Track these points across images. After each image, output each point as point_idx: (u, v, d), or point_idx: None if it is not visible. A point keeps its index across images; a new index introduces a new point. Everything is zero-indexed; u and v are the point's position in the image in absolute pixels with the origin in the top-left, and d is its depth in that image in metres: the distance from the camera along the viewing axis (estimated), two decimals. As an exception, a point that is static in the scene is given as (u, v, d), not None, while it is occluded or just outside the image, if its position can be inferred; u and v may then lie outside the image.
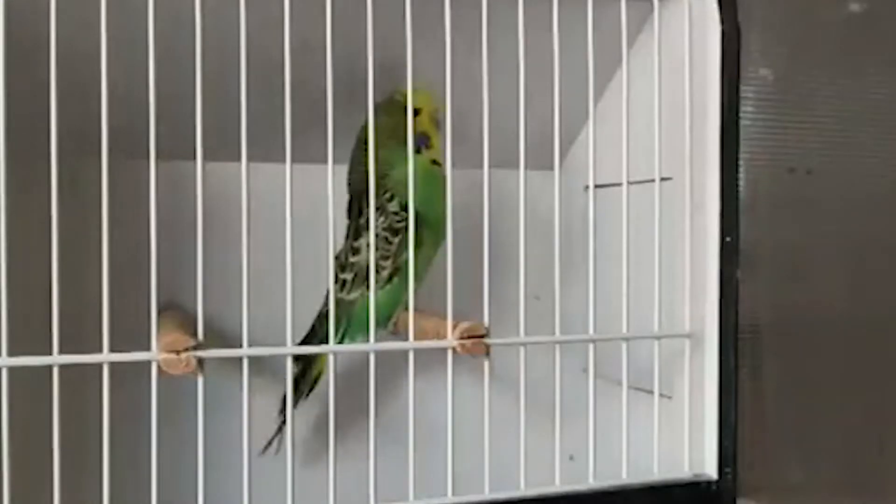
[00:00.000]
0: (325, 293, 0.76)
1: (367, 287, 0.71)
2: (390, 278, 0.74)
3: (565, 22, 0.64)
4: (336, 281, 0.76)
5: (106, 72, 0.54)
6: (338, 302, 0.75)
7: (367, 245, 0.72)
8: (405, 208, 0.73)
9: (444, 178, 0.69)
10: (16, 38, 0.53)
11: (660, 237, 0.68)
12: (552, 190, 0.65)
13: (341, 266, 0.76)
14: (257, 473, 0.58)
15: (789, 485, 1.13)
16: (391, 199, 0.74)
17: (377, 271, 0.73)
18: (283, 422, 0.76)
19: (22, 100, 0.54)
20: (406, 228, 0.71)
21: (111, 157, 0.54)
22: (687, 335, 0.70)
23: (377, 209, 0.72)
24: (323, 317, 0.76)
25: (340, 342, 0.75)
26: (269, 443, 0.77)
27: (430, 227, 0.73)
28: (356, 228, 0.75)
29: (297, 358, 0.76)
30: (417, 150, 0.73)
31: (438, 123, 0.75)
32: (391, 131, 0.69)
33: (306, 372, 0.76)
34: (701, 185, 0.70)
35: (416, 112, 0.69)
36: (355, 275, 0.75)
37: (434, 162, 0.75)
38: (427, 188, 0.69)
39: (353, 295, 0.75)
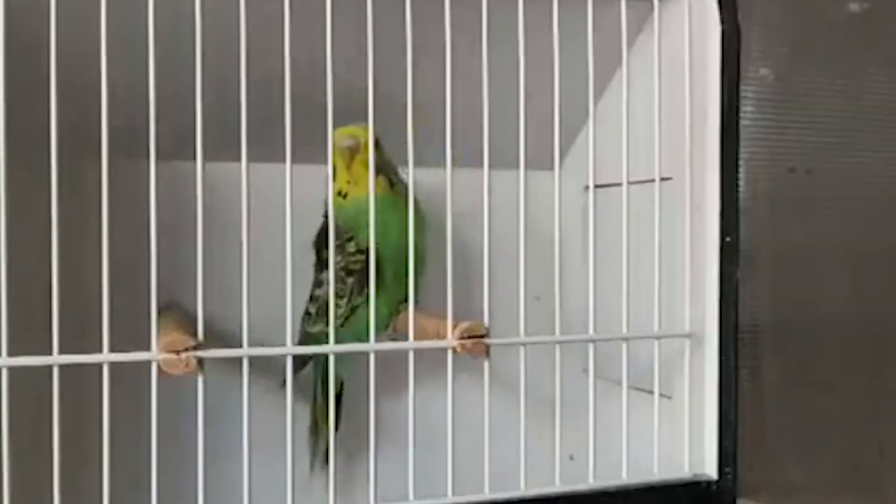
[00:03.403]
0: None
1: (326, 323, 0.69)
2: (346, 319, 0.74)
3: (565, 22, 0.64)
4: (307, 314, 0.77)
5: (106, 72, 0.54)
6: (306, 336, 0.76)
7: (328, 281, 0.72)
8: (361, 251, 0.72)
9: (396, 205, 0.69)
10: (16, 38, 0.53)
11: (660, 237, 0.68)
12: (552, 190, 0.65)
13: (309, 297, 0.76)
14: (257, 473, 0.58)
15: (789, 485, 1.13)
16: (350, 239, 0.73)
17: (338, 307, 0.72)
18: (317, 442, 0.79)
19: (22, 100, 0.54)
20: (360, 271, 0.71)
21: (111, 157, 0.54)
22: (687, 335, 0.70)
23: (338, 248, 0.72)
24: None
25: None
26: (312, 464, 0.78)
27: (391, 266, 0.70)
28: (325, 261, 0.74)
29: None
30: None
31: (350, 149, 0.72)
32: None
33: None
34: (701, 185, 0.70)
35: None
36: (318, 308, 0.75)
37: (339, 193, 0.73)
38: (377, 224, 0.62)
39: (316, 328, 0.75)
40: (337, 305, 0.71)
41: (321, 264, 0.76)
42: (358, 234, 0.72)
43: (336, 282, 0.72)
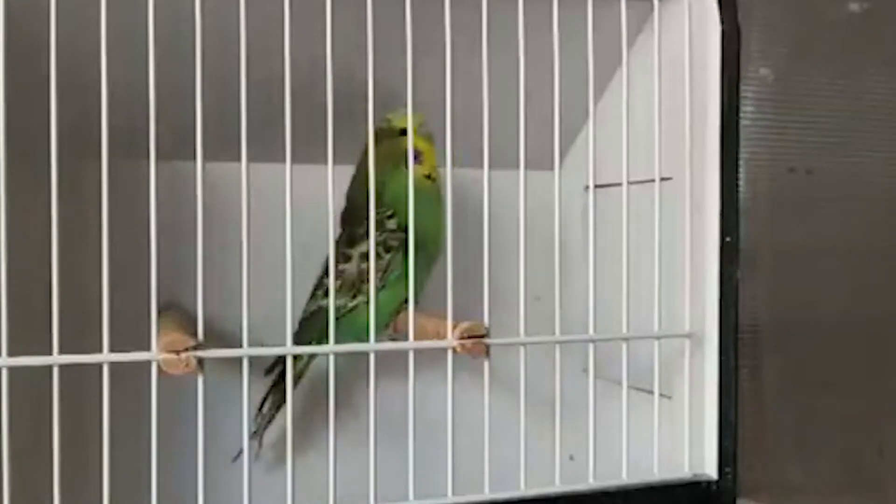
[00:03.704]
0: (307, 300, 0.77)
1: (353, 297, 0.73)
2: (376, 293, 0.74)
3: (565, 22, 0.64)
4: (320, 286, 0.77)
5: (106, 72, 0.54)
6: (319, 309, 0.76)
7: (359, 255, 0.74)
8: (403, 228, 0.73)
9: (438, 193, 0.71)
10: (16, 38, 0.53)
11: (660, 237, 0.68)
12: (552, 190, 0.65)
13: (327, 272, 0.76)
14: (257, 473, 0.58)
15: (789, 485, 1.13)
16: (391, 216, 0.74)
17: (364, 282, 0.73)
18: (261, 425, 0.77)
19: (22, 100, 0.54)
20: (399, 247, 0.73)
21: (111, 157, 0.54)
22: (687, 335, 0.70)
23: (376, 223, 0.72)
24: (304, 324, 0.76)
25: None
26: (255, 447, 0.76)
27: (421, 248, 0.72)
28: (350, 237, 0.75)
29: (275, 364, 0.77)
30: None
31: (431, 137, 0.75)
32: (384, 155, 0.68)
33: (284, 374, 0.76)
34: (701, 185, 0.70)
35: (404, 132, 0.72)
36: (342, 283, 0.75)
37: (427, 176, 0.75)
38: (420, 206, 0.66)
39: (338, 303, 0.74)
40: (368, 280, 0.72)
41: (352, 240, 0.75)
42: (401, 213, 0.73)
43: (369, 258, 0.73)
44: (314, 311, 0.77)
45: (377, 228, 0.71)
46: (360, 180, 0.75)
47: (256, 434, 0.77)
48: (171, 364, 0.56)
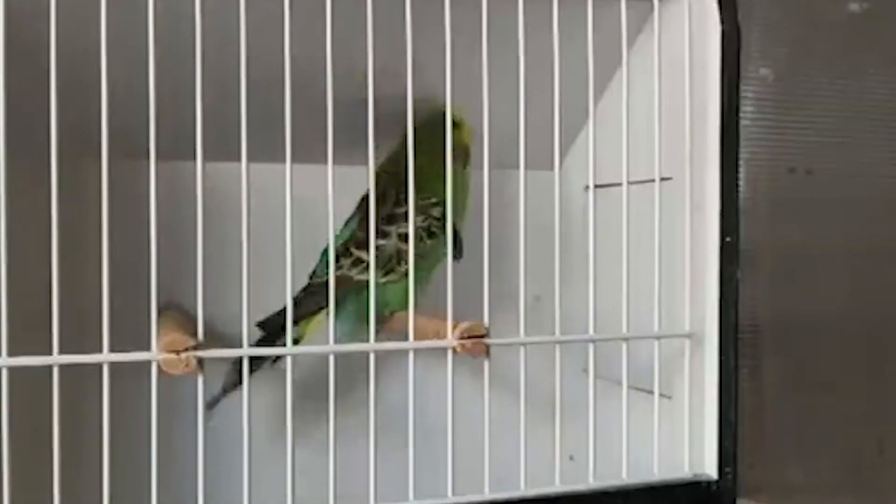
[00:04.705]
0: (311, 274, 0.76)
1: (385, 273, 0.73)
2: (406, 274, 0.74)
3: (565, 22, 0.64)
4: (348, 255, 0.75)
5: (106, 71, 0.54)
6: (343, 278, 0.73)
7: (399, 235, 0.74)
8: (445, 217, 0.73)
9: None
10: (16, 38, 0.53)
11: (660, 237, 0.68)
12: (552, 190, 0.65)
13: (357, 244, 0.74)
14: (257, 473, 0.58)
15: (789, 485, 1.13)
16: (436, 204, 0.74)
17: (398, 263, 0.74)
18: (233, 383, 0.72)
19: (22, 99, 0.54)
20: (438, 235, 0.74)
21: (111, 157, 0.54)
22: (687, 335, 0.70)
23: (419, 208, 0.72)
24: (310, 293, 0.74)
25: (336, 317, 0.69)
26: (216, 401, 0.72)
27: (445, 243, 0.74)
28: (389, 215, 0.74)
29: (267, 323, 0.73)
30: (464, 166, 0.76)
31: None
32: (436, 145, 0.66)
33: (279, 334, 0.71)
34: (701, 185, 0.70)
35: (459, 125, 0.72)
36: (377, 258, 0.69)
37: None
38: (463, 203, 0.67)
39: (366, 276, 0.70)
40: (405, 261, 0.73)
41: (392, 217, 0.74)
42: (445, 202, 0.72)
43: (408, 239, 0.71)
44: (341, 278, 0.72)
45: (420, 213, 0.74)
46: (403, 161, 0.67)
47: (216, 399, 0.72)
48: (171, 364, 0.56)
